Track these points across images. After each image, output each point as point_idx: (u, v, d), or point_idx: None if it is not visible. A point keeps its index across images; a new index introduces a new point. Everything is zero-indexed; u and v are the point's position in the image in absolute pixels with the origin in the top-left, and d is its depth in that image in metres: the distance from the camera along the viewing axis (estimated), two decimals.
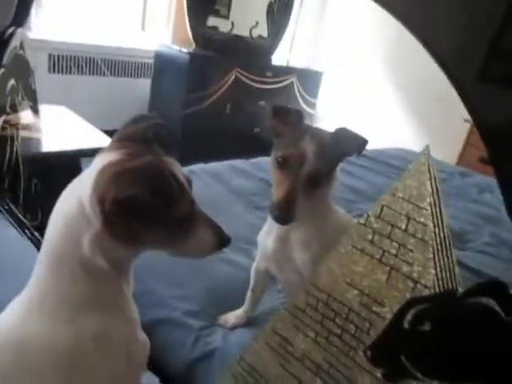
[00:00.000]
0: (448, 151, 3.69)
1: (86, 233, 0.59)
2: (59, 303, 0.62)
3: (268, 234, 1.12)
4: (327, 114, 4.66)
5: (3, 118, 1.78)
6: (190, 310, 1.25)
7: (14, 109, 1.88)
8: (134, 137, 0.67)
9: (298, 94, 4.26)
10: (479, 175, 2.96)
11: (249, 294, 1.24)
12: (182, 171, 0.67)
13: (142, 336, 0.72)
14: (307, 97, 4.40)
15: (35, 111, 2.16)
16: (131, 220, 0.59)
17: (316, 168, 0.95)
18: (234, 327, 1.24)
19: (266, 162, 2.30)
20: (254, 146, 3.16)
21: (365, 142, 0.97)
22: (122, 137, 0.68)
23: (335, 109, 4.65)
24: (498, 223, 2.16)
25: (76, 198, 0.60)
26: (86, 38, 3.39)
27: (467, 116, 1.30)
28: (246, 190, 2.00)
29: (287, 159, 0.97)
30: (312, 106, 4.53)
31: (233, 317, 1.25)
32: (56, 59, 3.25)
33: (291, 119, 1.02)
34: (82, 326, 0.61)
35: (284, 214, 0.96)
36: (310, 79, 4.39)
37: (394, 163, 2.74)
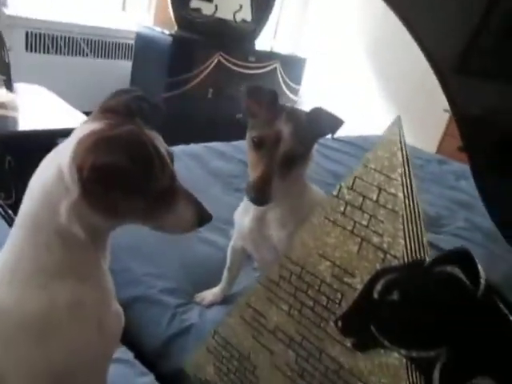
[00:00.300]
0: (428, 140, 3.74)
1: (64, 200, 0.59)
2: (32, 270, 0.61)
3: (244, 213, 1.12)
4: (310, 101, 4.66)
5: None
6: (166, 288, 1.25)
7: None
8: (116, 108, 0.66)
9: (281, 80, 4.25)
10: (456, 163, 3.01)
11: (225, 272, 1.25)
12: (164, 145, 0.66)
13: (117, 307, 0.71)
14: (290, 83, 4.39)
15: (9, 87, 2.10)
16: (109, 189, 0.58)
17: (291, 148, 0.95)
18: (211, 305, 1.24)
19: (246, 144, 2.31)
20: (236, 132, 3.15)
21: (340, 121, 0.98)
22: (104, 108, 0.66)
23: (318, 95, 4.66)
24: (472, 209, 2.21)
25: (55, 166, 0.59)
26: (65, 16, 3.30)
27: (447, 106, 1.32)
28: (225, 172, 2.00)
29: (263, 139, 0.97)
30: (295, 92, 4.52)
31: (209, 294, 1.26)
32: (34, 37, 3.16)
33: (266, 99, 1.01)
34: (55, 293, 0.61)
35: (260, 195, 0.96)
36: (293, 65, 4.38)
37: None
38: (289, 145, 0.95)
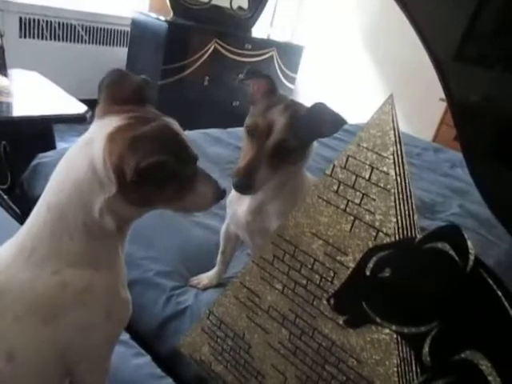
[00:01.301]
0: (424, 129, 3.75)
1: (98, 197, 0.59)
2: (50, 254, 0.62)
3: (238, 201, 1.11)
4: (307, 89, 4.65)
5: None
6: (162, 271, 1.26)
7: None
8: (127, 96, 0.66)
9: (277, 67, 4.23)
10: (452, 151, 3.03)
11: (219, 256, 1.25)
12: (181, 130, 0.67)
13: (126, 294, 0.72)
14: (287, 71, 4.37)
15: (3, 73, 2.09)
16: (148, 185, 0.59)
17: (283, 139, 0.93)
18: (206, 288, 1.25)
19: (241, 131, 2.30)
20: (232, 120, 3.15)
21: (342, 121, 0.92)
22: (115, 99, 0.66)
23: (315, 84, 4.65)
24: (466, 196, 2.23)
25: (86, 161, 0.59)
26: (60, 1, 3.26)
27: (443, 95, 1.33)
28: (222, 158, 2.00)
29: (255, 128, 0.96)
30: (292, 80, 4.51)
31: (205, 278, 1.27)
32: (27, 23, 3.13)
33: (262, 84, 1.01)
34: (67, 280, 0.61)
35: (243, 181, 0.94)
36: (290, 53, 4.36)
37: None
38: (280, 136, 0.93)
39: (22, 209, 1.66)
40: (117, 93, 0.66)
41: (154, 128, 0.59)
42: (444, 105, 3.70)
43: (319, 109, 0.93)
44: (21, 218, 1.48)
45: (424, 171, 2.47)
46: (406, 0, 1.22)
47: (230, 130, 2.32)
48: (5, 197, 1.67)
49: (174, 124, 0.66)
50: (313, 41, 4.59)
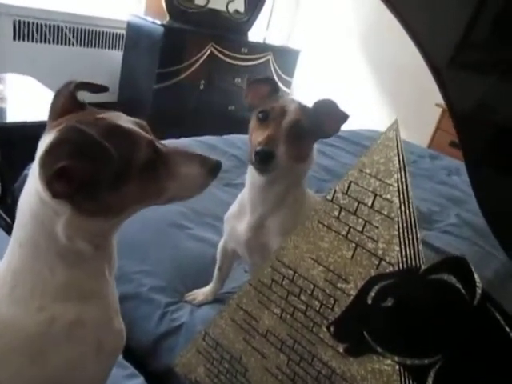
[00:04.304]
0: (420, 135, 3.74)
1: (57, 223, 0.56)
2: (33, 291, 0.59)
3: (238, 218, 1.09)
4: (303, 93, 4.64)
5: None
6: (156, 286, 1.24)
7: None
8: (64, 108, 0.62)
9: (273, 71, 4.21)
10: (448, 158, 3.02)
11: (216, 272, 1.23)
12: (129, 119, 0.61)
13: (119, 324, 0.69)
14: (283, 75, 4.35)
15: None
16: (90, 190, 0.54)
17: (297, 120, 0.96)
18: (202, 304, 1.23)
19: (237, 138, 2.28)
20: (228, 124, 3.12)
21: (346, 117, 0.98)
22: (54, 114, 0.62)
23: (311, 88, 4.63)
24: (463, 205, 2.22)
25: (34, 190, 0.56)
26: (54, 4, 3.22)
27: (439, 101, 1.31)
28: None
29: (268, 112, 0.98)
30: (288, 84, 4.49)
31: (200, 294, 1.24)
32: (21, 26, 3.08)
33: (266, 87, 1.05)
34: (54, 315, 0.59)
35: (265, 149, 0.91)
36: (286, 57, 4.34)
37: (367, 144, 2.76)
38: (295, 116, 0.96)
39: (13, 219, 1.63)
40: (54, 106, 0.63)
41: (62, 132, 0.53)
42: (440, 110, 3.70)
43: (326, 104, 0.99)
44: (11, 228, 1.44)
45: (420, 179, 2.45)
46: (401, 8, 1.21)
47: (225, 137, 2.29)
48: None
49: (111, 119, 0.58)
50: (309, 45, 4.58)
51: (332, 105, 0.98)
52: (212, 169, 0.65)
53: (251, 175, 1.04)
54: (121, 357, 1.01)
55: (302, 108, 0.99)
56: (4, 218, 1.61)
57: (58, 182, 0.51)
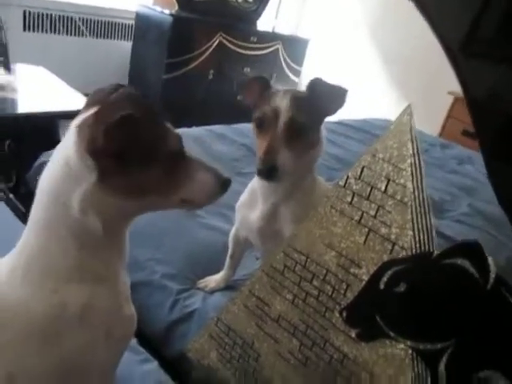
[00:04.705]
0: (431, 123, 3.70)
1: (75, 192, 0.57)
2: (46, 273, 0.60)
3: (249, 206, 1.10)
4: None
5: None
6: (168, 273, 1.25)
7: None
8: (102, 99, 0.63)
9: (283, 61, 4.19)
10: (459, 147, 2.99)
11: (227, 259, 1.24)
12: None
13: (130, 311, 0.70)
14: (292, 64, 4.33)
15: (7, 68, 2.07)
16: (126, 163, 0.56)
17: (292, 117, 0.95)
18: (214, 291, 1.24)
19: (247, 127, 2.28)
20: (237, 114, 3.11)
21: (344, 91, 0.97)
22: (92, 101, 0.64)
23: (321, 77, 4.60)
24: (475, 194, 2.20)
25: (59, 161, 0.58)
26: None
27: (451, 89, 1.29)
28: (226, 156, 1.98)
29: (263, 118, 0.98)
30: (297, 73, 4.46)
31: (212, 281, 1.25)
32: (32, 16, 3.10)
33: (255, 86, 1.04)
34: (66, 298, 0.60)
35: (267, 166, 0.93)
36: (295, 46, 4.31)
37: (377, 133, 2.74)
38: (288, 115, 0.95)
39: (26, 208, 1.65)
40: (96, 95, 0.65)
41: (117, 95, 0.58)
42: (452, 98, 3.66)
43: (317, 84, 0.98)
44: (26, 217, 1.47)
45: (431, 168, 2.43)
46: None
47: (235, 126, 2.29)
48: (10, 195, 1.66)
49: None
50: (318, 33, 4.54)
51: (323, 83, 0.97)
52: (224, 183, 0.70)
53: None
54: (135, 342, 1.03)
55: (295, 100, 0.96)
56: (19, 207, 1.63)
57: (112, 134, 0.53)
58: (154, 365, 0.99)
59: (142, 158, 0.58)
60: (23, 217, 1.39)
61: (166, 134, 0.62)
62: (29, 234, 0.61)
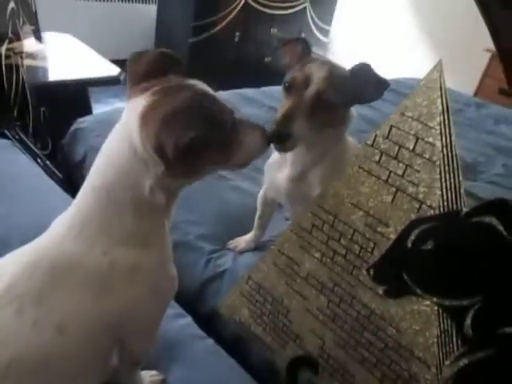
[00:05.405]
0: (466, 81, 3.56)
1: (146, 177, 0.60)
2: (99, 234, 0.63)
3: (279, 168, 1.10)
4: (342, 42, 4.47)
5: (6, 45, 1.74)
6: (201, 234, 1.29)
7: (17, 35, 1.83)
8: (148, 72, 0.65)
9: (310, 20, 4.07)
10: (496, 106, 2.87)
11: (256, 221, 1.27)
12: (208, 87, 0.66)
13: (173, 271, 0.74)
14: (320, 23, 4.20)
15: (38, 37, 2.10)
16: (193, 157, 0.59)
17: (321, 91, 0.91)
18: (244, 251, 1.28)
19: (276, 90, 2.25)
20: (265, 76, 3.08)
21: (386, 84, 0.92)
22: (137, 79, 0.66)
23: (350, 36, 4.45)
24: (510, 154, 2.13)
25: (127, 146, 0.60)
26: None
27: (488, 45, 1.23)
28: (256, 119, 1.96)
29: (293, 81, 0.95)
30: (325, 33, 4.33)
31: (242, 241, 1.29)
32: None
33: (296, 47, 1.00)
34: (116, 259, 0.63)
35: (280, 129, 0.89)
36: (324, 4, 4.16)
37: (409, 93, 2.66)
38: (319, 87, 0.91)
39: (63, 173, 1.71)
40: (136, 71, 0.66)
41: (182, 101, 0.58)
42: (488, 56, 3.49)
43: (363, 70, 0.93)
44: (63, 183, 1.53)
45: (465, 129, 2.36)
46: None
47: (263, 89, 2.27)
48: (47, 162, 1.73)
49: (200, 87, 0.64)
50: None
51: (369, 71, 0.92)
52: (269, 139, 0.73)
53: None
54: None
55: (332, 74, 0.92)
56: (56, 173, 1.70)
57: (182, 149, 0.55)
58: (188, 319, 1.05)
59: (205, 152, 0.60)
60: (60, 183, 1.45)
61: (223, 112, 0.63)
62: (86, 196, 0.64)
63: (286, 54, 1.02)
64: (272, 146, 0.90)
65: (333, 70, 0.93)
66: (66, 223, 0.65)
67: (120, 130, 0.63)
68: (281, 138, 0.89)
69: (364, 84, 0.92)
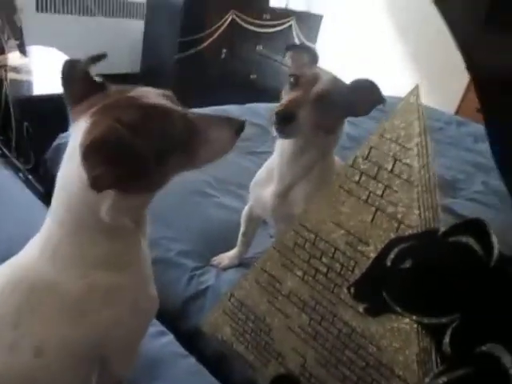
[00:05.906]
0: (448, 100, 3.64)
1: (100, 203, 0.57)
2: (74, 257, 0.62)
3: (264, 185, 1.11)
4: (326, 60, 4.54)
5: None
6: (183, 251, 1.29)
7: (1, 49, 1.82)
8: (86, 90, 0.61)
9: (296, 38, 4.13)
10: (476, 124, 2.94)
11: (240, 238, 1.27)
12: (157, 93, 0.62)
13: (153, 291, 0.72)
14: (306, 41, 4.27)
15: (23, 51, 2.09)
16: (138, 173, 0.55)
17: (327, 91, 0.93)
18: (227, 268, 1.27)
19: (260, 107, 2.28)
20: (250, 93, 3.11)
21: (384, 103, 0.95)
22: (75, 99, 0.61)
23: (334, 54, 4.53)
24: (490, 172, 2.18)
25: (75, 172, 0.56)
26: None
27: None
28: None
29: (300, 78, 0.96)
30: None
31: (226, 258, 1.29)
32: None
33: (305, 55, 1.05)
34: (94, 282, 0.62)
35: (286, 111, 0.91)
36: (309, 23, 4.24)
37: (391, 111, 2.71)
38: (326, 87, 0.94)
39: (45, 188, 1.70)
40: (72, 92, 0.62)
41: (97, 137, 0.52)
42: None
43: (365, 84, 0.96)
44: (44, 198, 1.51)
45: (446, 147, 2.41)
46: None
47: (248, 105, 2.29)
48: (29, 176, 1.71)
49: (134, 95, 0.59)
50: (332, 9, 4.45)
51: (372, 86, 0.95)
52: (238, 129, 0.67)
53: (281, 142, 1.05)
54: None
55: (336, 81, 0.97)
56: (38, 188, 1.68)
57: (100, 184, 0.52)
58: (170, 337, 1.04)
59: (149, 167, 0.56)
60: (42, 197, 1.43)
61: (169, 124, 0.59)
62: (53, 224, 0.62)
63: (295, 61, 1.05)
64: (274, 130, 0.93)
65: (336, 78, 0.98)
66: (38, 245, 0.63)
67: (69, 156, 0.59)
68: (286, 118, 0.91)
69: (362, 98, 0.95)
